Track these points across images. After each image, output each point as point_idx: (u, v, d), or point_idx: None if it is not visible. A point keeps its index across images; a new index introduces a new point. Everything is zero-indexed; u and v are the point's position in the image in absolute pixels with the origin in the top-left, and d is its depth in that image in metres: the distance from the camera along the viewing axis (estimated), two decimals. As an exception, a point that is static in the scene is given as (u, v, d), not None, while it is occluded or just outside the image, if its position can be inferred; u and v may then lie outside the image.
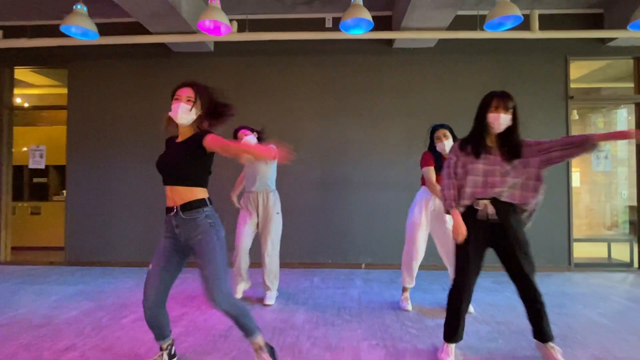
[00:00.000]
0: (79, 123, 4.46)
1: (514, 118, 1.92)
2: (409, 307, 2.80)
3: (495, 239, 1.95)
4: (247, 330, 1.76)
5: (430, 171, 2.71)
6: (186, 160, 1.69)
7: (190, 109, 1.73)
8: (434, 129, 2.80)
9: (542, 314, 1.90)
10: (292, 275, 3.85)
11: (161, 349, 1.84)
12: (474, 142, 1.96)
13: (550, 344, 1.92)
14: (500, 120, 1.89)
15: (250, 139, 2.73)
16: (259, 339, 1.79)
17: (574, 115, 6.87)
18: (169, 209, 1.74)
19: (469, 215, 1.96)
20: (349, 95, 4.30)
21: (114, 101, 4.44)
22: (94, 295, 3.18)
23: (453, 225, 1.98)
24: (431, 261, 3.94)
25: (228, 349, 2.12)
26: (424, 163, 2.76)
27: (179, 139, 1.79)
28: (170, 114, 1.76)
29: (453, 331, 1.96)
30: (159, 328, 1.77)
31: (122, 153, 4.40)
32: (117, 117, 4.43)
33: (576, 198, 7.58)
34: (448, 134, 2.72)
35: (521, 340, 2.25)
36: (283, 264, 4.17)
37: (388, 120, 4.25)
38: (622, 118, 6.68)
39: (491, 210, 1.92)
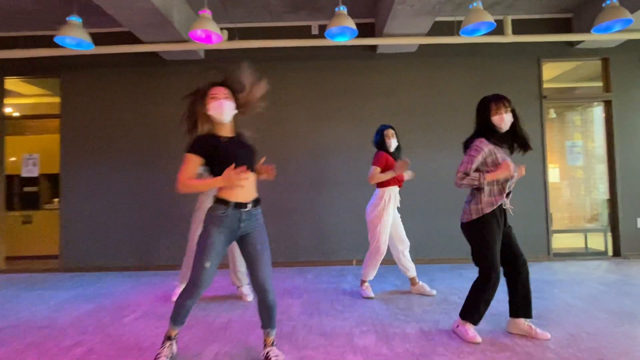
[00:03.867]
0: (73, 131, 4.53)
1: (515, 116, 2.14)
2: (372, 294, 3.07)
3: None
4: (274, 322, 1.94)
5: (376, 170, 3.00)
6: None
7: (233, 106, 1.89)
8: (384, 128, 3.10)
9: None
10: (286, 274, 3.99)
11: (170, 339, 1.95)
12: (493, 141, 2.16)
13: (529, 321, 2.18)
14: (505, 120, 2.11)
15: None
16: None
17: (551, 113, 7.20)
18: (240, 205, 1.83)
19: (494, 213, 2.13)
20: (336, 98, 4.48)
21: (107, 109, 4.53)
22: (92, 298, 3.26)
23: (501, 170, 2.10)
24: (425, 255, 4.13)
25: (228, 340, 2.24)
26: (376, 161, 3.03)
27: (229, 134, 1.93)
28: (211, 112, 1.85)
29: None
30: (187, 315, 1.91)
31: (115, 160, 4.49)
32: (111, 125, 4.51)
33: (557, 193, 7.90)
34: (394, 133, 3.09)
35: (501, 321, 2.43)
36: (276, 264, 4.32)
37: (375, 121, 4.41)
38: (598, 115, 7.02)
39: (509, 204, 2.17)
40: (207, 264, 1.78)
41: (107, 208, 4.46)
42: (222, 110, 1.84)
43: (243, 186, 1.80)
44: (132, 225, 4.43)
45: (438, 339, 2.16)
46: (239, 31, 4.39)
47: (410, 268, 3.12)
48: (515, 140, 2.19)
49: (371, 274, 3.10)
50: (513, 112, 2.15)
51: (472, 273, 3.77)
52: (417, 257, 4.08)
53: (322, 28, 4.46)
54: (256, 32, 4.48)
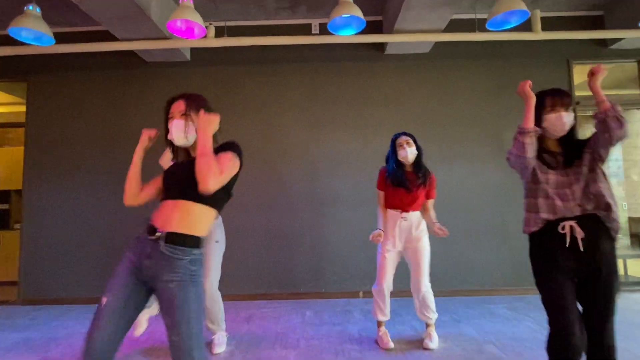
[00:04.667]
0: (39, 142, 3.98)
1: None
2: (391, 344, 2.42)
3: (580, 267, 1.47)
4: None
5: (380, 195, 2.59)
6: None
7: (185, 125, 1.42)
8: (395, 136, 2.57)
9: None
10: (280, 309, 3.36)
11: None
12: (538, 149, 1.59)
13: None
14: (564, 120, 1.55)
15: None
16: None
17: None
18: (150, 229, 1.32)
19: (548, 239, 1.51)
20: (339, 105, 3.95)
21: (79, 118, 3.98)
22: (41, 345, 2.64)
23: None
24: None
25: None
26: (377, 184, 2.62)
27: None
28: (168, 137, 1.44)
29: None
30: None
31: (87, 176, 3.92)
32: (83, 136, 3.96)
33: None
34: (411, 141, 2.51)
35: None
36: (269, 296, 3.71)
37: (382, 131, 3.89)
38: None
39: (579, 233, 1.45)
40: (104, 299, 1.26)
41: (76, 230, 3.86)
42: (172, 133, 1.43)
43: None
44: (105, 249, 3.83)
45: None
46: (229, 30, 3.89)
47: (424, 318, 2.51)
48: (570, 148, 1.59)
49: (378, 315, 2.52)
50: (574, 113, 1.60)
51: (502, 309, 3.15)
52: (434, 289, 3.47)
53: (323, 27, 3.97)
54: (248, 30, 3.97)
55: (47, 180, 3.93)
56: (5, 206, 5.58)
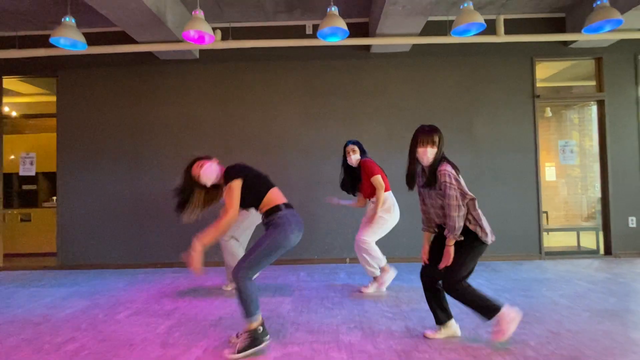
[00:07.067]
0: (69, 130, 4.58)
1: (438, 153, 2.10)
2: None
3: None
4: (244, 312, 2.05)
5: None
6: None
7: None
8: (346, 144, 3.25)
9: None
10: (279, 271, 4.04)
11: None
12: (413, 174, 2.22)
13: None
14: (428, 155, 2.09)
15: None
16: (252, 324, 2.03)
17: (547, 112, 7.21)
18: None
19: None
20: (330, 98, 4.52)
21: (102, 108, 4.57)
22: (88, 295, 3.32)
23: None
24: (412, 254, 4.17)
25: (217, 336, 2.30)
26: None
27: None
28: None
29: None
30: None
31: (110, 158, 4.54)
32: (106, 124, 4.56)
33: (553, 192, 7.91)
34: (356, 149, 3.21)
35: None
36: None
37: (368, 120, 4.48)
38: (595, 114, 6.99)
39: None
40: None
41: (103, 206, 4.51)
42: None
43: None
44: (128, 223, 4.49)
45: (422, 337, 2.21)
46: (233, 31, 4.42)
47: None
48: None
49: None
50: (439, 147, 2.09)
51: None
52: (405, 255, 4.14)
53: (316, 27, 4.47)
54: (250, 31, 4.51)
55: (77, 163, 4.56)
56: (34, 187, 6.23)
